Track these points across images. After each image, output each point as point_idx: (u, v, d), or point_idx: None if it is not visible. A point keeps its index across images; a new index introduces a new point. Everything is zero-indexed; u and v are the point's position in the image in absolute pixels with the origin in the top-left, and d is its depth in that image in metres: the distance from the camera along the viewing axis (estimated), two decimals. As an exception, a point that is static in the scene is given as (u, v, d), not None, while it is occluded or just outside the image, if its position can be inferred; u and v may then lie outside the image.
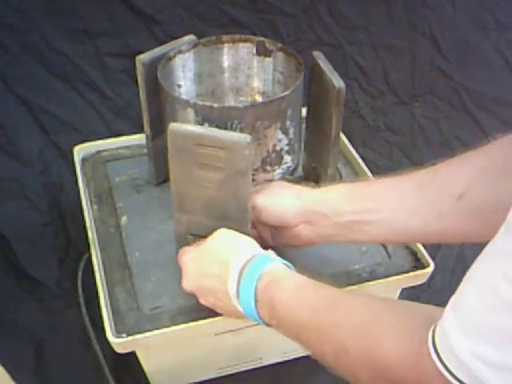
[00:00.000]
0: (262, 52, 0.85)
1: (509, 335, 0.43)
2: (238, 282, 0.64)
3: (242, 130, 0.73)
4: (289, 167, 0.82)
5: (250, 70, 0.88)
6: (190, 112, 0.73)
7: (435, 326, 0.48)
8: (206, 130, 0.67)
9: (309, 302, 0.61)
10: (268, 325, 0.64)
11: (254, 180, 0.78)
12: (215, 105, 0.72)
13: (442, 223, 0.66)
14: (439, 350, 0.46)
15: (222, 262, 0.67)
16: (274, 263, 0.66)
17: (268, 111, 0.74)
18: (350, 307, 0.58)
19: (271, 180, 0.80)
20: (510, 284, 0.42)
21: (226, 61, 0.87)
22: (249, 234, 0.71)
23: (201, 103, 0.73)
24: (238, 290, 0.64)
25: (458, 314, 0.47)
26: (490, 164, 0.64)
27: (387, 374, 0.52)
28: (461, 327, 0.46)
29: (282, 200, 0.74)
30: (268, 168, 0.79)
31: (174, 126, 0.66)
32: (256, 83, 0.89)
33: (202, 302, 0.71)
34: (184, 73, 0.85)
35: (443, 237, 0.69)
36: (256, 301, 0.63)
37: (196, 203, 0.71)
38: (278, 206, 0.74)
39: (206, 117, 0.72)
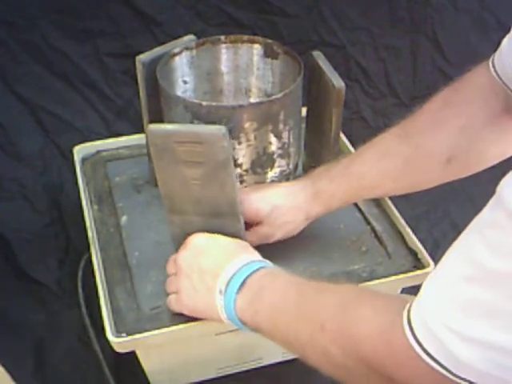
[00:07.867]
0: (270, 54, 0.85)
1: (485, 307, 0.42)
2: (234, 274, 0.65)
3: (230, 130, 0.73)
4: (283, 171, 0.81)
5: (258, 71, 0.88)
6: (181, 108, 0.73)
7: (412, 301, 0.48)
8: (182, 127, 0.68)
9: (297, 288, 0.62)
10: (239, 315, 0.64)
11: (243, 181, 0.78)
12: (204, 103, 0.72)
13: (431, 185, 0.73)
14: (412, 323, 0.46)
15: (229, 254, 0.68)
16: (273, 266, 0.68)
17: (257, 113, 0.74)
18: (336, 290, 0.60)
19: (263, 183, 0.80)
20: (493, 253, 0.41)
21: (234, 61, 0.88)
22: (242, 228, 0.72)
23: (190, 100, 0.73)
24: (231, 277, 0.65)
25: (435, 285, 0.47)
26: (466, 121, 0.68)
27: (358, 348, 0.52)
28: (436, 298, 0.45)
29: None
30: (259, 170, 0.79)
31: (152, 127, 0.66)
32: (262, 84, 0.89)
33: (180, 280, 0.70)
34: (191, 70, 0.85)
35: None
36: (242, 285, 0.64)
37: (186, 203, 0.71)
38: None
39: (195, 114, 0.72)
